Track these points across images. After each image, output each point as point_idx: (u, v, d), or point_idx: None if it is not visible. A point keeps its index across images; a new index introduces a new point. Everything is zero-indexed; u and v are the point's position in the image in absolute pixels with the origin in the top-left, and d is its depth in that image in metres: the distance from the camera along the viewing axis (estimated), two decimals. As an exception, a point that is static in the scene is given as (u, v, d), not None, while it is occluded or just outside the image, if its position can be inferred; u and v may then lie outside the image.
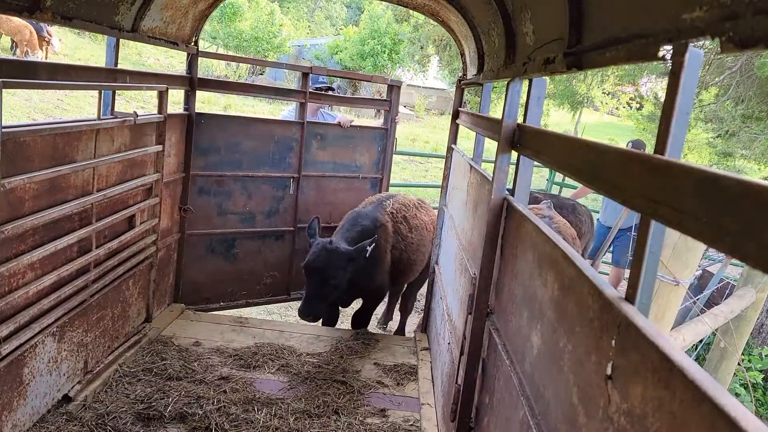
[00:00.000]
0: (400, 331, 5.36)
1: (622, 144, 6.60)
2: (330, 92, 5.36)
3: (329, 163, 5.12)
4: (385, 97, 5.49)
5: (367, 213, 4.43)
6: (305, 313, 3.87)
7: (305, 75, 4.86)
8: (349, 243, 4.08)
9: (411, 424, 3.24)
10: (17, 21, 13.32)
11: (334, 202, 5.20)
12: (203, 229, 4.55)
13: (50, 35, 14.87)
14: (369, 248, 3.95)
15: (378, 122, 5.81)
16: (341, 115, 5.60)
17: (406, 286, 5.19)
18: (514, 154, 2.25)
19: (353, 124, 5.25)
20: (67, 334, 2.93)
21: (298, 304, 4.22)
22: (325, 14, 38.62)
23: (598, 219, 6.99)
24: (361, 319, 4.67)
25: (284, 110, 5.52)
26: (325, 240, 3.97)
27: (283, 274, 5.09)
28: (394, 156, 5.54)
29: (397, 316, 5.61)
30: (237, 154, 4.56)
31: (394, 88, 5.42)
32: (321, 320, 4.58)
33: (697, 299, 5.66)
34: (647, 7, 1.19)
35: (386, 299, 5.34)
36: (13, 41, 14.60)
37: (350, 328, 4.62)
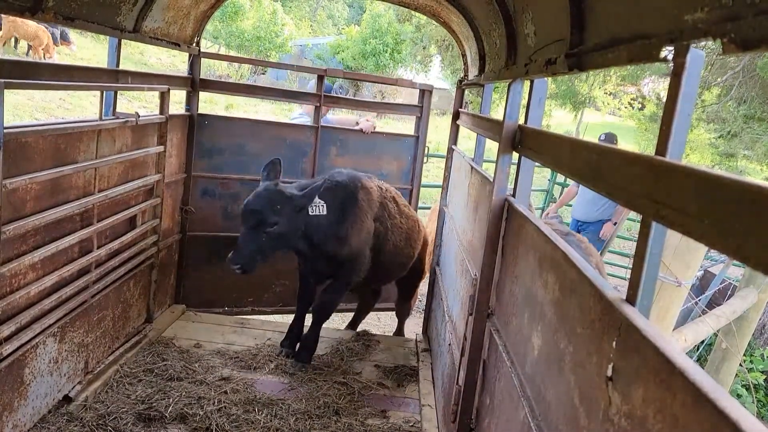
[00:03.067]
0: (399, 335, 5.31)
1: (623, 143, 6.58)
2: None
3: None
4: (417, 102, 5.04)
5: (347, 170, 3.99)
6: (233, 262, 3.37)
7: (320, 78, 4.60)
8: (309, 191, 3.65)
9: (411, 426, 3.24)
10: (34, 25, 13.29)
11: None
12: (207, 231, 4.51)
13: (61, 40, 14.85)
14: (318, 200, 3.46)
15: (398, 125, 5.57)
16: (363, 119, 5.20)
17: (397, 287, 4.98)
18: (515, 155, 2.25)
19: (377, 130, 4.97)
20: (68, 334, 2.93)
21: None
22: (327, 13, 38.59)
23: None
24: (323, 306, 3.87)
25: (294, 111, 5.40)
26: (271, 182, 3.51)
27: (294, 282, 4.63)
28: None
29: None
30: (242, 156, 4.49)
31: (426, 92, 4.95)
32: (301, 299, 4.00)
33: (699, 300, 5.64)
34: (649, 8, 1.19)
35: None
36: (29, 46, 14.56)
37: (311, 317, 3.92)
